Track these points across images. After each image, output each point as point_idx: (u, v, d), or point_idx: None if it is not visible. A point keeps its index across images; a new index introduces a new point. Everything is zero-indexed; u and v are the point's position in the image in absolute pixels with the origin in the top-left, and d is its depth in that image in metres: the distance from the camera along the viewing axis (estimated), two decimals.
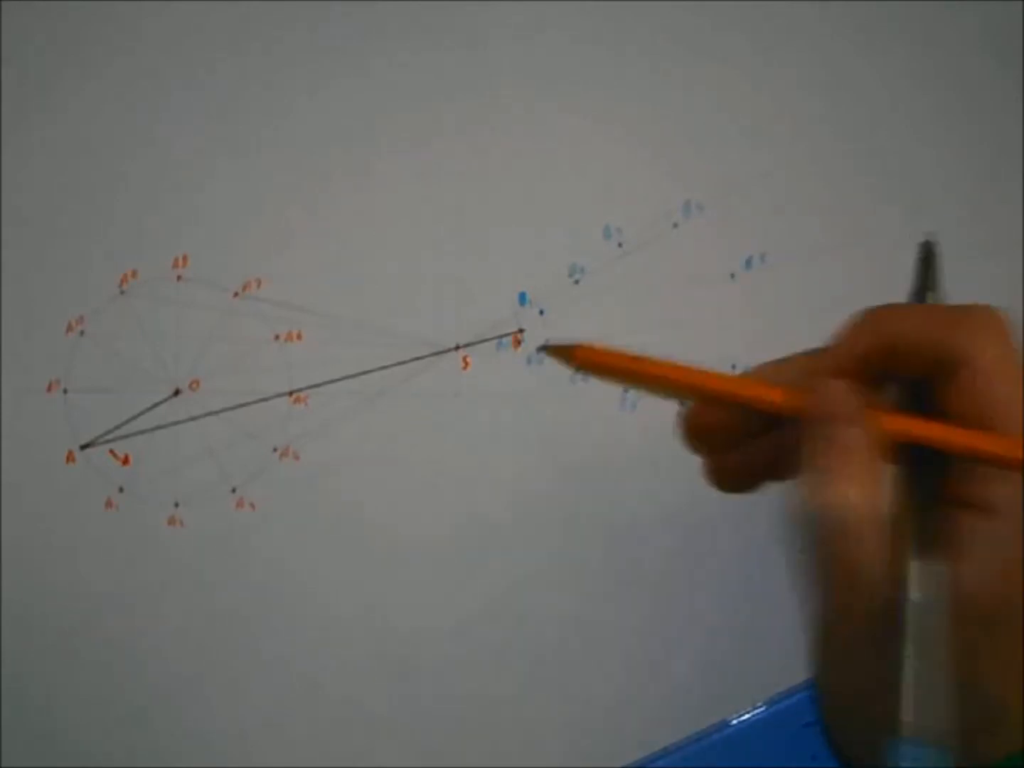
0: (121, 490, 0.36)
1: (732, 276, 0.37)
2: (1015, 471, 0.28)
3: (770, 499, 0.37)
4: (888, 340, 0.30)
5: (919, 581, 0.28)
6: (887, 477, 0.30)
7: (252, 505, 0.36)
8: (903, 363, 0.30)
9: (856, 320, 0.31)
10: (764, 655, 0.37)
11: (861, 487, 0.29)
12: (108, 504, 0.36)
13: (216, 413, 0.36)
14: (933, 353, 0.30)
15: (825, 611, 0.32)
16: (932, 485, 0.30)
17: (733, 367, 0.37)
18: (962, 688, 0.29)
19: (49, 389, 0.36)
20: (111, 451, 0.36)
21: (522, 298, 0.37)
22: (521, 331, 0.37)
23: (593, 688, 0.36)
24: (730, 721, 0.36)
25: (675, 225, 0.37)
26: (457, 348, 0.36)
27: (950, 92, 0.38)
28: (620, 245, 0.37)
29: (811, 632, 0.30)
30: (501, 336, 0.36)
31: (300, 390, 0.36)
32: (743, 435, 0.31)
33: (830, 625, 0.31)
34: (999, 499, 0.28)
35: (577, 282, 0.37)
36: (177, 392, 0.36)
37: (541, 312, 0.37)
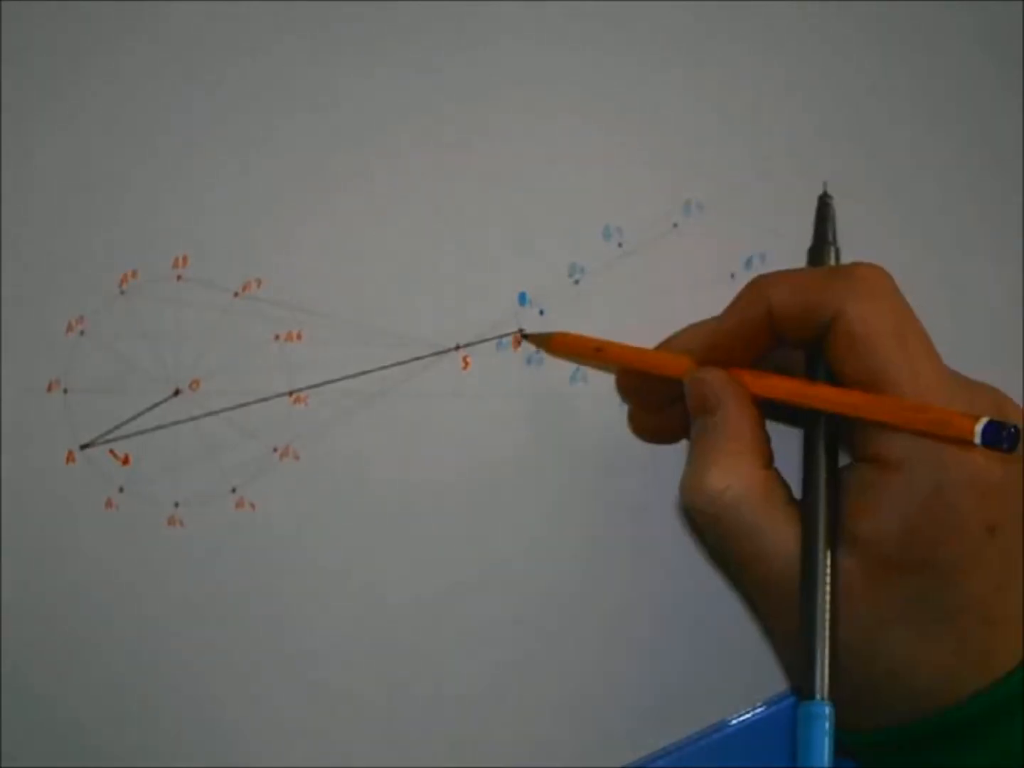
0: (121, 490, 0.36)
1: (732, 276, 0.37)
2: (887, 427, 0.28)
3: None
4: (767, 307, 0.30)
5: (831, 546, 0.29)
6: (767, 452, 0.30)
7: (252, 505, 0.36)
8: (786, 327, 0.30)
9: (743, 289, 0.31)
10: (764, 655, 0.37)
11: (729, 471, 0.30)
12: (108, 504, 0.36)
13: (216, 413, 0.36)
14: (807, 315, 0.30)
15: (735, 589, 0.32)
16: (837, 445, 0.30)
17: None
18: (858, 651, 0.29)
19: (49, 389, 0.36)
20: (111, 451, 0.36)
21: (522, 298, 0.37)
22: (521, 331, 0.37)
23: (592, 688, 0.36)
24: (730, 721, 0.36)
25: (675, 225, 0.37)
26: (457, 348, 0.36)
27: (951, 92, 0.38)
28: (620, 245, 0.37)
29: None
30: (501, 336, 0.36)
31: (300, 390, 0.36)
32: (665, 398, 0.34)
33: (745, 601, 0.31)
34: (898, 453, 0.28)
35: (577, 282, 0.37)
36: (177, 392, 0.36)
37: (541, 312, 0.37)
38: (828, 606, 0.28)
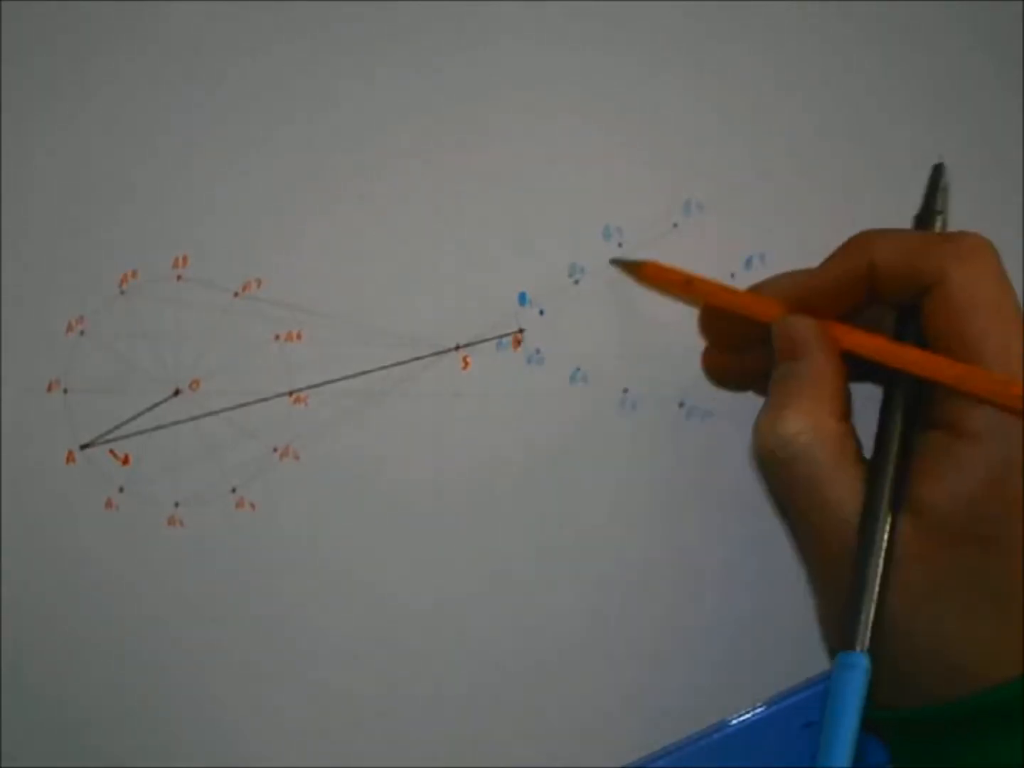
0: (121, 490, 0.36)
1: (732, 276, 0.37)
2: (969, 396, 0.28)
3: (766, 504, 0.37)
4: (870, 261, 0.30)
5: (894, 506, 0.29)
6: (846, 406, 0.30)
7: (252, 505, 0.36)
8: (886, 286, 0.30)
9: (846, 242, 0.31)
10: (764, 655, 0.37)
11: (807, 417, 0.30)
12: (108, 504, 0.36)
13: (216, 413, 0.36)
14: (910, 276, 0.30)
15: (793, 538, 0.32)
16: (917, 410, 0.30)
17: None
18: (902, 619, 0.29)
19: (49, 389, 0.36)
20: (111, 451, 0.36)
21: (522, 298, 0.37)
22: (521, 331, 0.37)
23: (591, 688, 0.36)
24: (730, 721, 0.36)
25: (675, 225, 0.37)
26: (457, 348, 0.36)
27: (951, 92, 0.38)
28: (620, 245, 0.37)
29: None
30: (501, 336, 0.36)
31: (300, 390, 0.36)
32: (745, 340, 0.34)
33: (801, 552, 0.31)
34: (974, 421, 0.28)
35: (577, 282, 0.37)
36: (177, 392, 0.36)
37: (541, 312, 0.37)
38: (882, 562, 0.28)
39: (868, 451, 0.31)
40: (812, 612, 0.36)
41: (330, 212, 0.36)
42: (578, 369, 0.37)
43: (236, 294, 0.36)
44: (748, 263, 0.37)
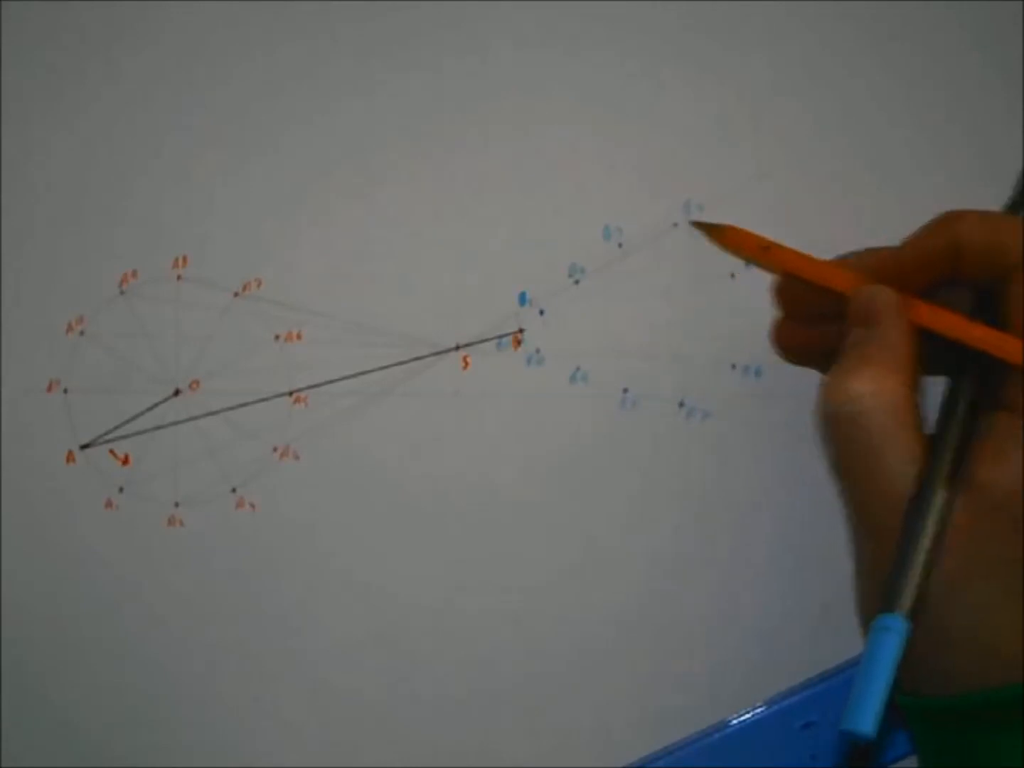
0: (121, 490, 0.36)
1: (732, 276, 0.37)
2: None
3: (766, 505, 0.37)
4: (954, 240, 0.30)
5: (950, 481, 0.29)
6: (915, 378, 0.30)
7: (252, 505, 0.36)
8: (969, 264, 0.30)
9: (930, 220, 0.31)
10: (764, 655, 0.37)
11: (876, 380, 0.30)
12: (108, 504, 0.36)
13: (216, 413, 0.36)
14: (994, 254, 0.30)
15: (845, 500, 0.32)
16: (985, 391, 0.30)
17: (733, 367, 0.37)
18: (944, 597, 0.28)
19: (49, 389, 0.36)
20: (111, 451, 0.36)
21: (522, 298, 0.37)
22: (521, 331, 0.37)
23: (591, 687, 0.36)
24: (730, 721, 0.36)
25: (675, 225, 0.37)
26: (457, 348, 0.36)
27: (951, 92, 0.38)
28: (620, 245, 0.37)
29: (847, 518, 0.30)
30: (501, 336, 0.36)
31: (300, 390, 0.36)
32: (819, 311, 0.33)
33: (851, 515, 0.31)
34: None
35: (577, 282, 0.37)
36: (177, 392, 0.36)
37: (541, 312, 0.37)
38: (932, 532, 0.28)
39: (931, 429, 0.31)
40: (812, 612, 0.36)
41: (330, 212, 0.36)
42: (578, 369, 0.37)
43: (236, 294, 0.36)
44: (748, 263, 0.37)
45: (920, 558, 0.28)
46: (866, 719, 0.26)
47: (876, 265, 0.32)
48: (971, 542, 0.28)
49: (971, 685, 0.28)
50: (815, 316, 0.34)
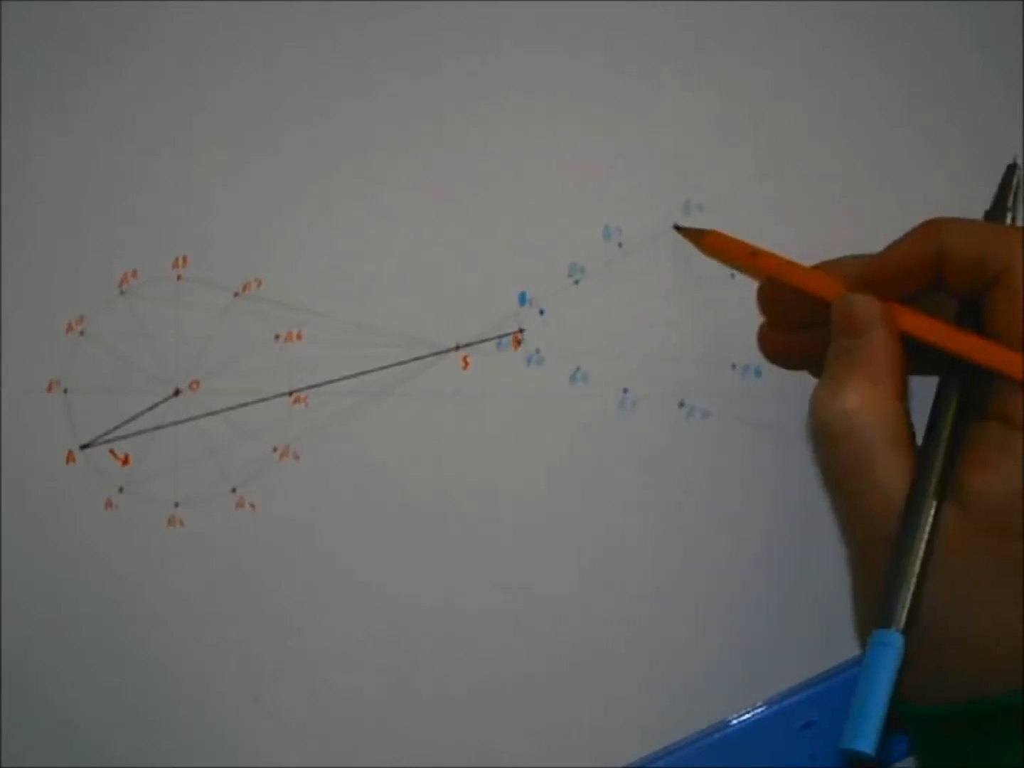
0: (121, 490, 0.36)
1: (732, 276, 0.37)
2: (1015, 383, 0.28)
3: (765, 504, 0.37)
4: (938, 248, 0.30)
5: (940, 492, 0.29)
6: (902, 387, 0.30)
7: (252, 505, 0.36)
8: (953, 272, 0.30)
9: (914, 227, 0.31)
10: (764, 655, 0.37)
11: (866, 394, 0.30)
12: (108, 504, 0.36)
13: (216, 413, 0.36)
14: (978, 263, 0.30)
15: (837, 514, 0.32)
16: (972, 400, 0.30)
17: (733, 367, 0.37)
18: (939, 608, 0.28)
19: (49, 389, 0.36)
20: (111, 451, 0.36)
21: (522, 298, 0.37)
22: (521, 331, 0.37)
23: (591, 687, 0.36)
24: (730, 721, 0.36)
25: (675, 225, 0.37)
26: (457, 348, 0.36)
27: (951, 92, 0.38)
28: (620, 245, 0.37)
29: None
30: (501, 336, 0.36)
31: (300, 390, 0.36)
32: (802, 318, 0.34)
33: (844, 530, 0.31)
34: None
35: (577, 282, 0.37)
36: (177, 392, 0.36)
37: (541, 312, 0.37)
38: (924, 546, 0.28)
39: (920, 438, 0.31)
40: (812, 612, 0.36)
41: (330, 212, 0.36)
42: (578, 369, 0.37)
43: (236, 294, 0.36)
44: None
45: (914, 571, 0.28)
46: (866, 738, 0.26)
47: (858, 271, 0.32)
48: (966, 553, 0.28)
49: (971, 693, 0.28)
50: (799, 322, 0.34)
